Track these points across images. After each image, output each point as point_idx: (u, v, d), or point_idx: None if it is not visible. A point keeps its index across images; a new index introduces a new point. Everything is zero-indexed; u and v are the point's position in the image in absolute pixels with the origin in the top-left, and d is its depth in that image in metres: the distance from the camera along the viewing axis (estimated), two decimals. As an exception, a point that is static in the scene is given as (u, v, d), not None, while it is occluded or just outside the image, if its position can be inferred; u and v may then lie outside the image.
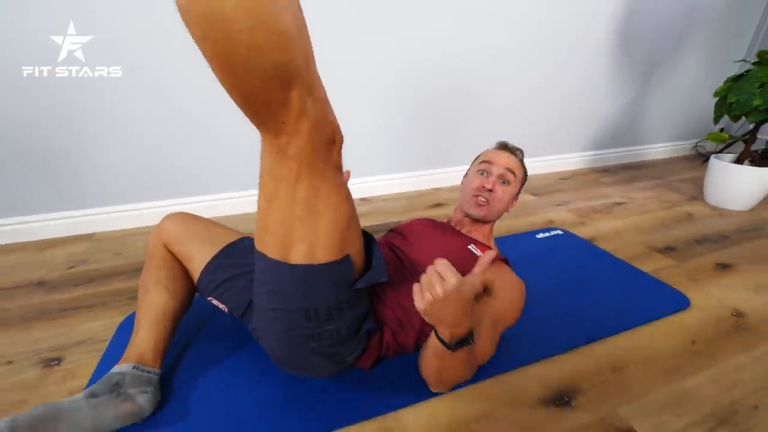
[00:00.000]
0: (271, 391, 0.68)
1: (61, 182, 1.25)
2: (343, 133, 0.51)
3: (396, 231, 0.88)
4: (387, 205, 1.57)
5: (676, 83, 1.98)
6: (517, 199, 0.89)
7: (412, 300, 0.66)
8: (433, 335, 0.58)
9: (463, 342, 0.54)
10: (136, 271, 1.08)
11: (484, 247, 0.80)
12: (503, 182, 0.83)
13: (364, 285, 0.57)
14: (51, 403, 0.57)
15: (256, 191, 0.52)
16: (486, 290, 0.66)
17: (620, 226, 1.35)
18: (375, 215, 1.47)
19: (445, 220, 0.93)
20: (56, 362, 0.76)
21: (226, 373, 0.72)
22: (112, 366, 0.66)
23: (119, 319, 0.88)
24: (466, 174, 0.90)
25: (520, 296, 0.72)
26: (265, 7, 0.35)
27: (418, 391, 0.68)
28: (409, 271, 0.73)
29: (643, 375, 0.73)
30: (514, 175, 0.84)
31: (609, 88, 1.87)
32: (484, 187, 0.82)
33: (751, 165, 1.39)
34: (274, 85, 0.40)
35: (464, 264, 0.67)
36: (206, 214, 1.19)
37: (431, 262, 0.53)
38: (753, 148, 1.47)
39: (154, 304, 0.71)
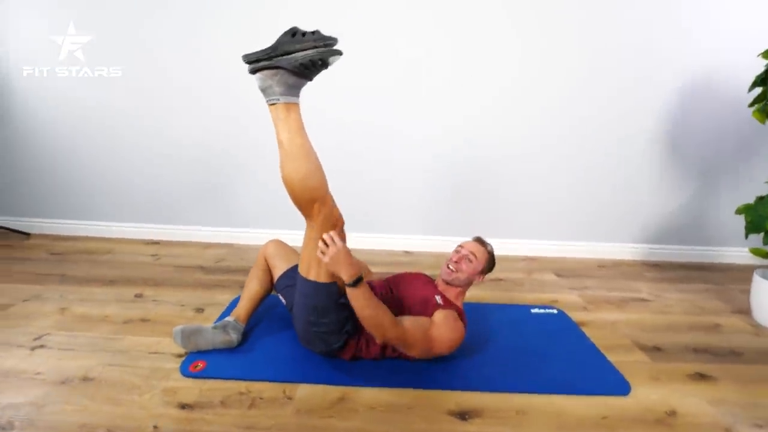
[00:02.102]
0: (294, 350, 1.24)
1: (219, 206, 2.13)
2: (344, 218, 1.08)
3: (397, 276, 1.36)
4: (421, 259, 2.04)
5: (747, 188, 1.92)
6: (482, 276, 1.28)
7: None
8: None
9: (356, 282, 1.00)
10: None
11: (445, 300, 1.21)
12: (468, 260, 1.25)
13: (342, 299, 1.09)
14: (197, 325, 1.24)
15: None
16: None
17: (621, 319, 1.50)
18: (412, 265, 1.94)
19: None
20: (202, 311, 1.47)
21: (275, 335, 1.32)
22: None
23: (233, 296, 1.58)
24: None
25: (457, 337, 1.13)
26: (308, 181, 1.00)
27: (374, 382, 1.12)
28: (395, 303, 1.20)
29: (540, 424, 1.00)
30: (476, 257, 1.25)
31: (661, 183, 1.98)
32: (452, 260, 1.25)
33: (795, 288, 1.38)
34: (308, 203, 1.02)
35: (426, 304, 1.17)
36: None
37: (410, 300, 1.13)
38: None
39: (251, 290, 1.36)
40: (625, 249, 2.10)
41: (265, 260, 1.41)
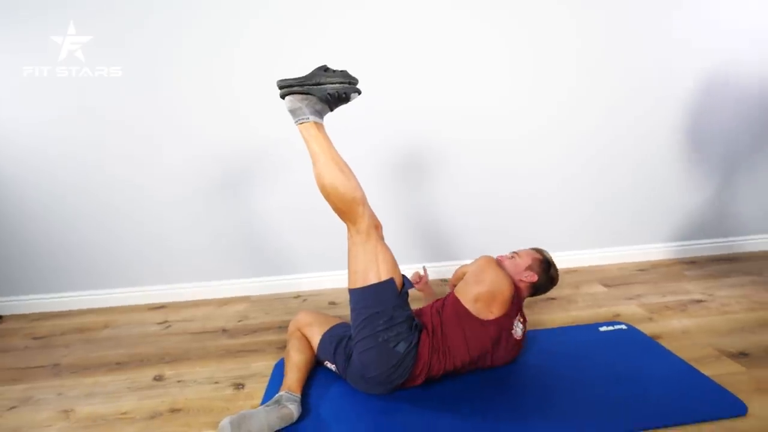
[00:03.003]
0: (364, 416, 1.06)
1: (233, 258, 1.92)
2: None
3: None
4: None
5: (764, 179, 2.01)
6: (533, 275, 1.24)
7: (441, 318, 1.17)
8: None
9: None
10: (278, 328, 1.60)
11: None
12: (509, 257, 1.30)
13: (405, 290, 1.14)
14: (245, 410, 1.03)
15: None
16: None
17: (692, 325, 1.44)
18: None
19: None
20: (242, 386, 1.25)
21: (336, 401, 1.13)
22: (273, 392, 1.13)
23: (272, 362, 1.36)
24: None
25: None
26: (348, 185, 1.09)
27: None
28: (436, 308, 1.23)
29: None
30: (519, 255, 1.29)
31: (688, 179, 2.00)
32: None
33: None
34: (353, 206, 1.09)
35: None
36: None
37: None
38: None
39: (295, 360, 1.21)
40: (659, 249, 2.08)
41: (299, 331, 1.32)
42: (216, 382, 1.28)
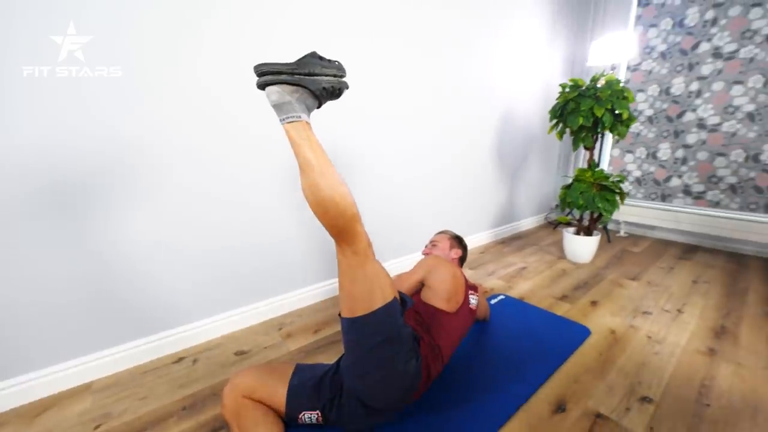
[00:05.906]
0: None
1: (42, 327, 1.18)
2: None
3: None
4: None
5: (530, 177, 3.18)
6: (458, 250, 1.57)
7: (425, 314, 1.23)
8: None
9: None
10: (182, 409, 1.13)
11: None
12: (434, 245, 1.58)
13: (406, 308, 1.09)
14: None
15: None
16: None
17: (531, 285, 2.08)
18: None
19: None
20: None
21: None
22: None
23: (210, 456, 0.97)
24: None
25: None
26: (347, 197, 0.92)
27: None
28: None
29: (590, 379, 1.30)
30: (439, 241, 1.58)
31: (496, 182, 2.85)
32: (426, 250, 1.57)
33: (582, 235, 2.39)
34: (351, 221, 0.93)
35: None
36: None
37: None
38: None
39: None
40: (483, 235, 2.82)
41: (249, 399, 1.03)
42: None
